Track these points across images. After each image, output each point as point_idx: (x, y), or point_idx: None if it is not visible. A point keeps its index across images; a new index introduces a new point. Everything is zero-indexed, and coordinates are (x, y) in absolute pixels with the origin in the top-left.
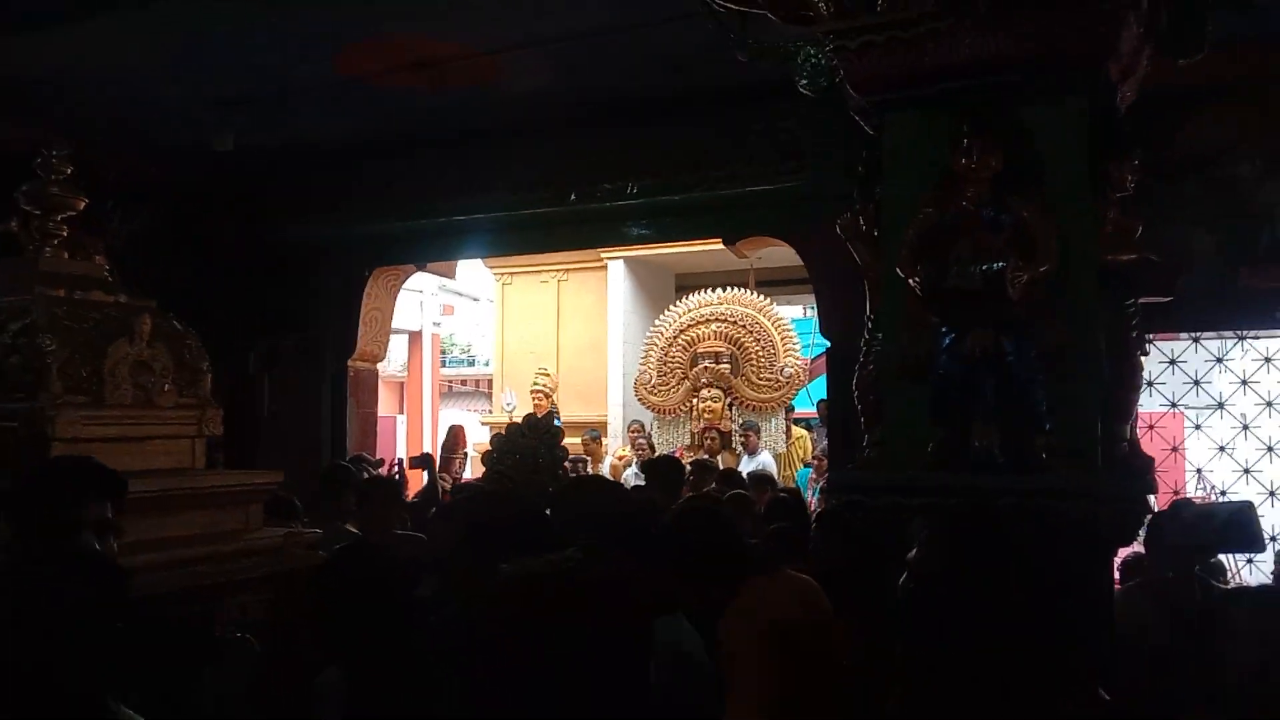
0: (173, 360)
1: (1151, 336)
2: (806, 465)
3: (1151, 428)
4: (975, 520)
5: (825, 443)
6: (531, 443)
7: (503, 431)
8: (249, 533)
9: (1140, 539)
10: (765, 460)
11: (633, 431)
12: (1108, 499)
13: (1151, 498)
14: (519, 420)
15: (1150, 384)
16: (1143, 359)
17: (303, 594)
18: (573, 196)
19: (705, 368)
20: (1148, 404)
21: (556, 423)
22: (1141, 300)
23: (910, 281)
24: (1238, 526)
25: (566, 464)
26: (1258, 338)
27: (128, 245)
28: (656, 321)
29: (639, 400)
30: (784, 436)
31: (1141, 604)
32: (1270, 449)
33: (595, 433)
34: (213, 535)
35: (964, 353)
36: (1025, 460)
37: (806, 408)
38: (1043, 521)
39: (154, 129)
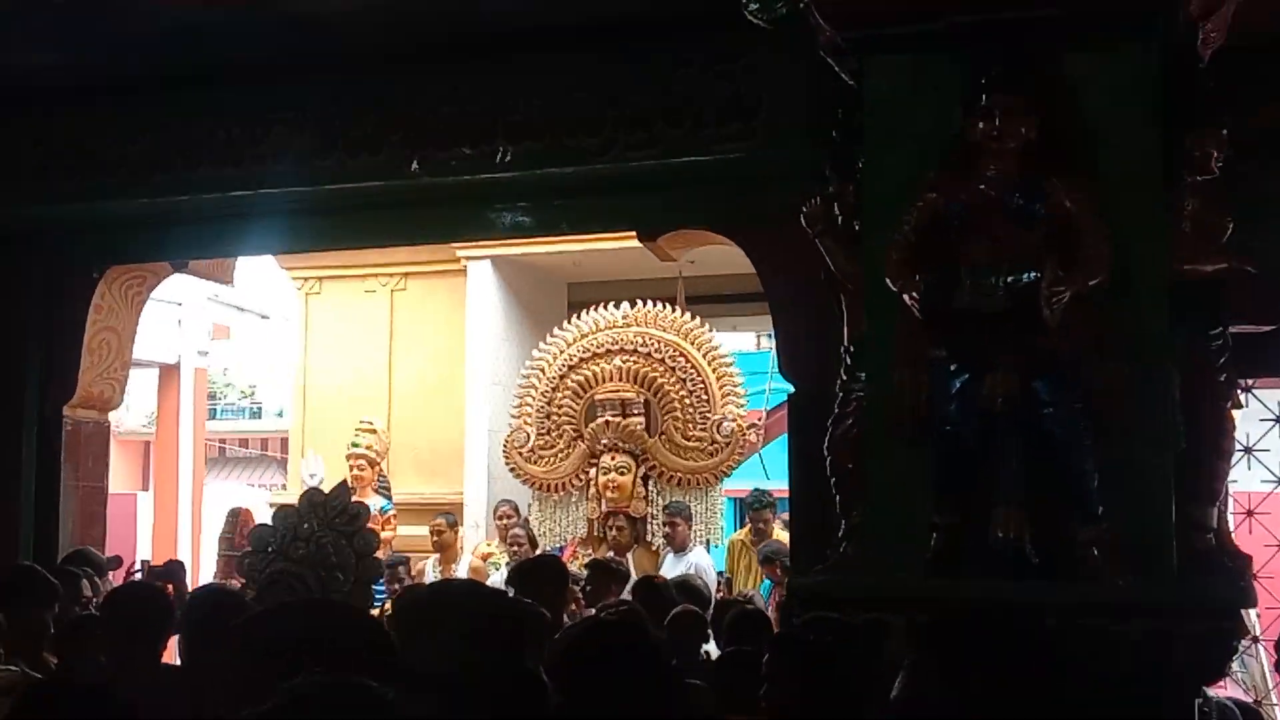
0: None
1: (1248, 382)
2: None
3: (1250, 513)
4: (991, 647)
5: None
6: (313, 530)
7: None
8: None
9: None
10: (699, 561)
11: (502, 516)
12: (1186, 616)
13: (1252, 614)
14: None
15: (1248, 450)
16: (1235, 414)
17: None
18: (414, 165)
19: (608, 422)
20: (1244, 479)
21: (383, 505)
22: (1232, 329)
23: (905, 298)
24: None
25: (381, 560)
26: None
27: None
28: (537, 352)
29: (511, 470)
30: (721, 524)
31: None
32: None
33: (450, 517)
34: None
35: (981, 402)
36: (1067, 560)
37: (752, 479)
38: (1093, 649)
39: None
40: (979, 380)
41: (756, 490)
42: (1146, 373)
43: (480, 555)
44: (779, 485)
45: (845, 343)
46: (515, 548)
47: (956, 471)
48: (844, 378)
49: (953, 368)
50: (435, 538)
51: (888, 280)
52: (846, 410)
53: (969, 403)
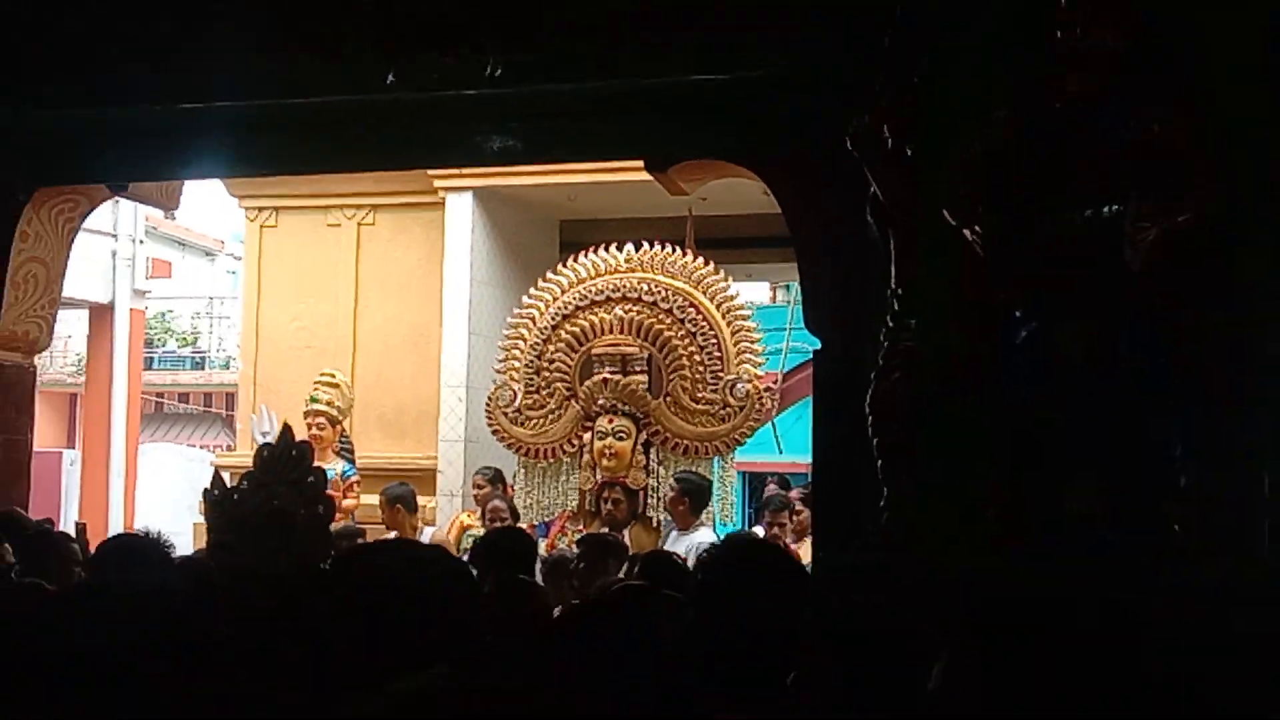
0: None
1: None
2: None
3: None
4: (1059, 640)
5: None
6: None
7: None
8: None
9: None
10: (704, 541)
11: (480, 488)
12: None
13: None
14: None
15: None
16: None
17: None
18: (389, 77)
19: (606, 380)
20: None
21: (345, 469)
22: None
23: (968, 233)
24: None
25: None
26: None
27: None
28: (526, 299)
29: (494, 432)
30: (732, 499)
31: None
32: None
33: (404, 488)
34: None
35: (1053, 355)
36: (1148, 540)
37: (764, 452)
38: (1184, 645)
39: None
40: (1051, 330)
41: (777, 489)
42: (1244, 327)
43: (458, 526)
44: (791, 460)
45: (893, 284)
46: (495, 522)
47: (1021, 436)
48: (890, 325)
49: (1020, 316)
50: (389, 514)
51: (947, 212)
52: (893, 363)
53: (1038, 356)
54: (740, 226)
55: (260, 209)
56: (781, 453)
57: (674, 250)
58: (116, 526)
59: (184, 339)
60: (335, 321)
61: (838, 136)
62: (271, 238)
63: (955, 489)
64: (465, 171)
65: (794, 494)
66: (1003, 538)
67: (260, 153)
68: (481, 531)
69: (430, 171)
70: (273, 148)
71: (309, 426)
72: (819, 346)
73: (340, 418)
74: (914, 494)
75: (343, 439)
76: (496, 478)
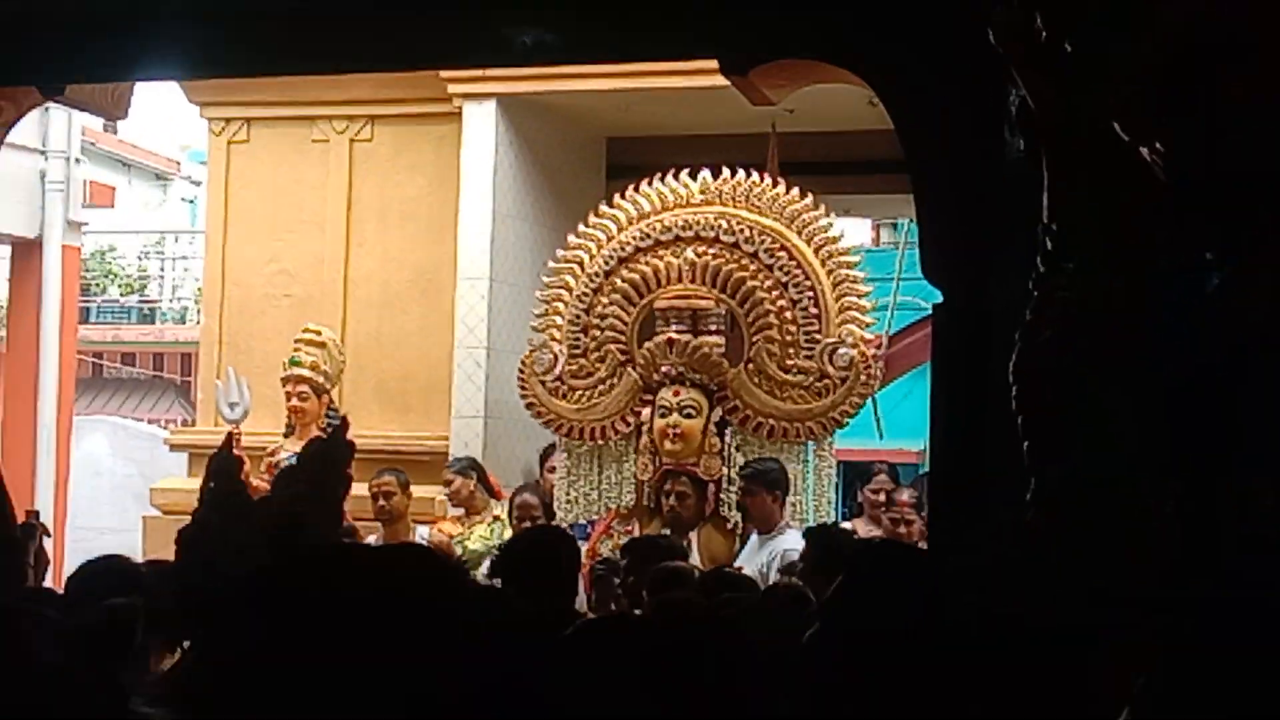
0: None
1: None
2: None
3: None
4: (1262, 670)
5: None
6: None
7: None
8: None
9: None
10: (789, 548)
11: (449, 483)
12: None
13: None
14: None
15: None
16: None
17: None
18: None
19: (671, 341)
20: None
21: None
22: None
23: (1144, 151)
24: None
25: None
26: None
27: None
28: (574, 237)
29: (528, 405)
30: (829, 497)
31: None
32: None
33: (400, 474)
34: None
35: (1250, 311)
36: None
37: (862, 437)
38: None
39: None
40: (1252, 279)
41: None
42: None
43: (443, 538)
44: (896, 447)
45: (1045, 219)
46: (525, 522)
47: (1201, 414)
48: (1040, 271)
49: (1210, 259)
50: (378, 504)
51: (1118, 124)
52: (1044, 319)
53: (1233, 312)
54: (836, 147)
55: (228, 120)
56: (882, 437)
57: (754, 180)
58: (44, 519)
59: (128, 285)
60: (322, 264)
61: (973, 29)
62: (241, 157)
63: (1121, 479)
64: (488, 74)
65: (904, 496)
66: (1181, 541)
67: (225, 47)
68: (474, 541)
69: (443, 73)
70: (244, 40)
71: (289, 396)
72: (939, 300)
73: (327, 386)
74: (1070, 486)
75: (330, 412)
76: (469, 467)
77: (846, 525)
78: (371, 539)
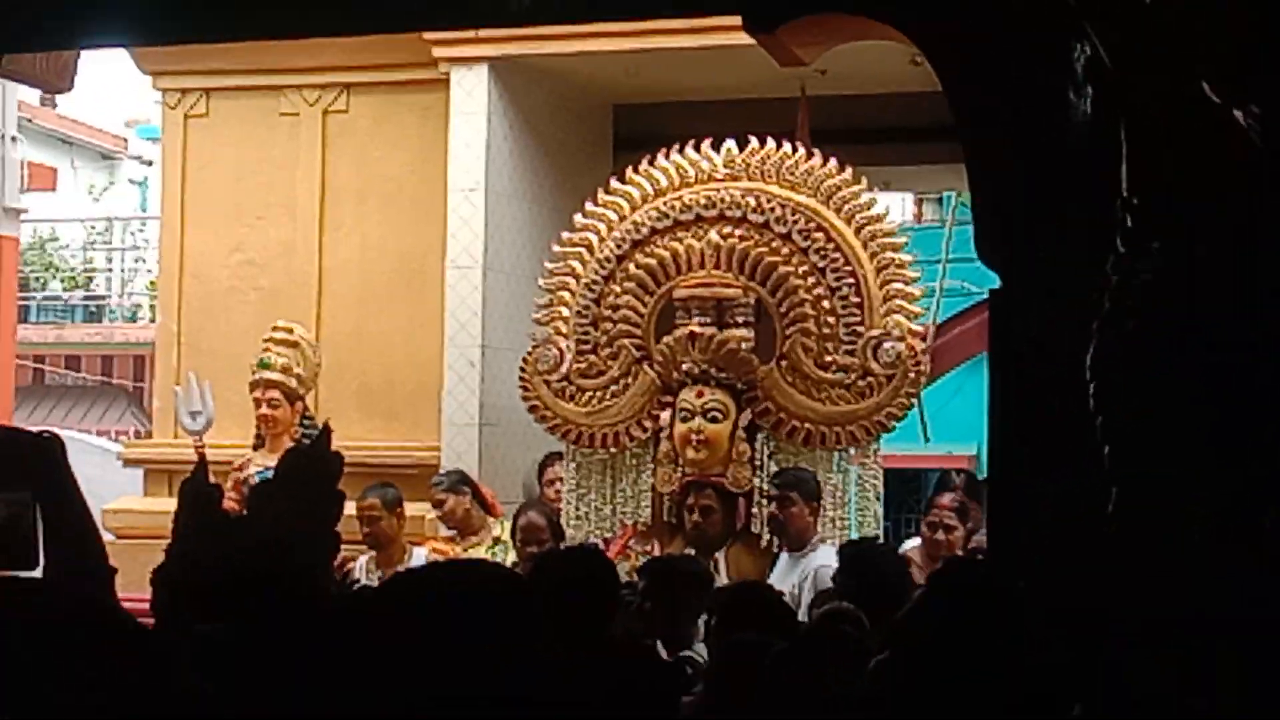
0: None
1: None
2: None
3: None
4: None
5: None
6: None
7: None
8: None
9: None
10: (823, 566)
11: (441, 504)
12: None
13: None
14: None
15: None
16: None
17: None
18: None
19: (694, 335)
20: None
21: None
22: None
23: (1238, 114)
24: None
25: None
26: None
27: None
28: (581, 217)
29: (531, 409)
30: (876, 509)
31: None
32: None
33: (390, 491)
34: None
35: None
36: None
37: (906, 445)
38: None
39: None
40: None
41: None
42: None
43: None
44: (944, 452)
45: (1124, 192)
46: (530, 546)
47: None
48: (1120, 252)
49: None
50: (365, 526)
51: (1208, 83)
52: (1126, 306)
53: None
54: (874, 113)
55: (184, 91)
56: (928, 441)
57: (785, 150)
58: None
59: (72, 279)
60: (293, 252)
61: None
62: (200, 133)
63: (1215, 486)
64: (479, 35)
65: (945, 499)
66: None
67: (186, 5)
68: (507, 554)
69: (428, 35)
70: (209, 5)
71: (257, 404)
72: (993, 284)
73: (301, 391)
74: (1156, 494)
75: (305, 420)
76: (459, 483)
77: (907, 546)
78: (362, 560)
